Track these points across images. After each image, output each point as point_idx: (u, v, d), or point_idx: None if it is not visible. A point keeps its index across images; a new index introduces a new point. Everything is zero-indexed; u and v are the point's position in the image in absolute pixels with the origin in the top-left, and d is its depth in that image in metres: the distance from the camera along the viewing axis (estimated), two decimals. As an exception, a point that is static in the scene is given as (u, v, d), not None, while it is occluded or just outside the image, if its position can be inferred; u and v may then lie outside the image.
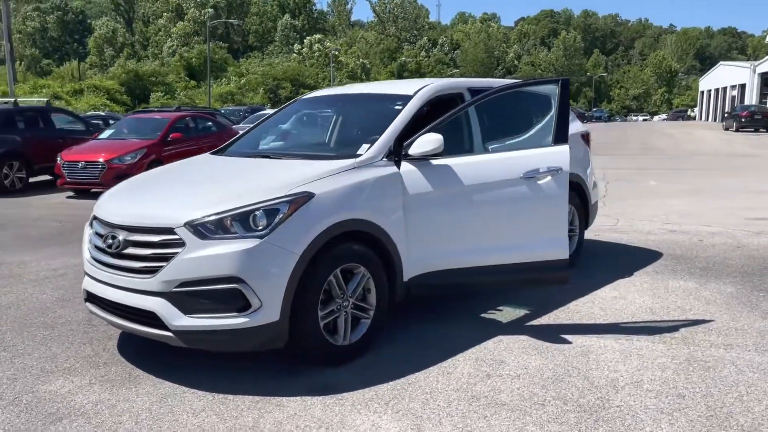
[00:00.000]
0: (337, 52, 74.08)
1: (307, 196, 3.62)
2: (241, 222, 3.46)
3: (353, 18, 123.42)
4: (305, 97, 5.69)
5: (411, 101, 4.52)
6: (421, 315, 4.71)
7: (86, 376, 3.74)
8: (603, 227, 7.97)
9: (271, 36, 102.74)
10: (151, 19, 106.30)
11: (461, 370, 3.76)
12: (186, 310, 3.42)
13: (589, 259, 6.31)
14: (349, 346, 3.86)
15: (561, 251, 4.37)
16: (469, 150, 4.58)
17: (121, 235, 3.66)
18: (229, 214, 3.47)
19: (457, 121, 4.53)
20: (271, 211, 3.50)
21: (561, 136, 4.44)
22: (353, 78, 72.18)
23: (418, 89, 4.67)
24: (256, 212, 3.48)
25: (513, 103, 4.87)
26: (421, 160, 4.18)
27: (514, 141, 4.74)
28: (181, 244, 3.44)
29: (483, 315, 4.74)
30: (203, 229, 3.44)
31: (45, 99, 18.65)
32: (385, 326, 4.19)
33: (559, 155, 4.37)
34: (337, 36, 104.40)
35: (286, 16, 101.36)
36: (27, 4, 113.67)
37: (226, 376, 3.70)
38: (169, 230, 3.49)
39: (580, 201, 6.04)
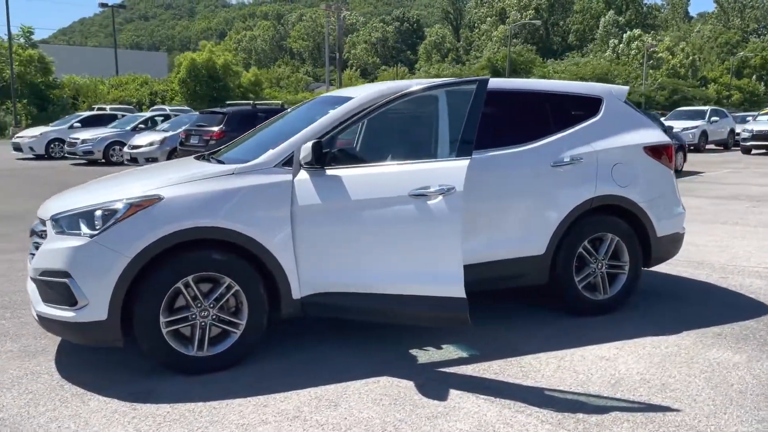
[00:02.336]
0: (654, 48, 68.20)
1: (154, 200, 3.65)
2: (86, 220, 3.66)
3: (690, 10, 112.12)
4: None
5: (344, 105, 4.18)
6: (328, 336, 4.33)
7: None
8: (709, 258, 6.18)
9: (592, 34, 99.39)
10: (475, 24, 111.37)
11: (294, 402, 3.42)
12: (43, 298, 3.76)
13: (647, 298, 5.02)
14: (208, 358, 3.78)
15: (454, 288, 3.62)
16: (377, 158, 4.05)
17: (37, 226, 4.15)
18: (78, 212, 3.70)
19: (365, 127, 4.05)
20: (109, 212, 3.63)
21: (464, 147, 3.69)
22: (673, 76, 65.71)
23: (366, 92, 4.29)
24: (96, 212, 3.65)
25: (432, 106, 4.14)
26: (316, 169, 3.86)
27: (421, 151, 4.06)
28: (46, 235, 3.79)
29: (411, 349, 4.16)
30: (59, 224, 3.73)
31: (280, 102, 20.66)
32: (278, 343, 3.99)
33: (453, 171, 3.63)
34: (668, 31, 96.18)
35: (611, 12, 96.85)
36: (375, 17, 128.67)
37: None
38: (44, 222, 3.87)
39: (635, 231, 4.83)
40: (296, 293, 3.87)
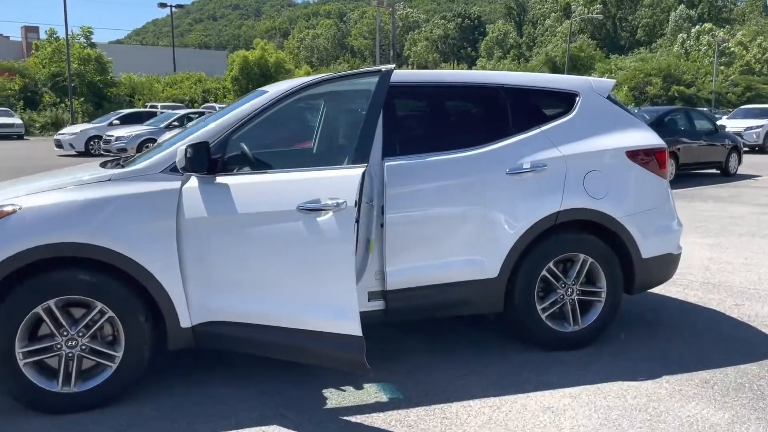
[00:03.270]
0: (726, 43, 64.64)
1: (8, 211, 3.16)
2: None
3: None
4: None
5: (250, 102, 3.60)
6: (235, 367, 3.74)
7: None
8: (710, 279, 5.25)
9: (662, 29, 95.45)
10: (539, 21, 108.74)
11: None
12: None
13: (632, 328, 4.23)
14: (77, 394, 3.27)
15: (347, 324, 2.99)
16: (276, 164, 3.45)
17: None
18: None
19: (265, 126, 3.45)
20: (-44, 224, 3.17)
21: (360, 152, 3.05)
22: (747, 73, 62.09)
23: (278, 87, 3.70)
24: None
25: (334, 103, 3.49)
26: (205, 176, 3.30)
27: (320, 156, 3.42)
28: None
29: (326, 389, 3.54)
30: None
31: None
32: (166, 378, 3.45)
33: (345, 182, 3.00)
34: (744, 25, 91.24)
35: (681, 6, 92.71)
36: (437, 14, 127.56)
37: None
38: None
39: (615, 252, 4.07)
40: (186, 321, 3.32)
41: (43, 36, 46.16)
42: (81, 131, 20.96)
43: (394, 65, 3.33)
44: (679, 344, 4.15)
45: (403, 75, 3.86)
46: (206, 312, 3.31)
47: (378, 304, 3.72)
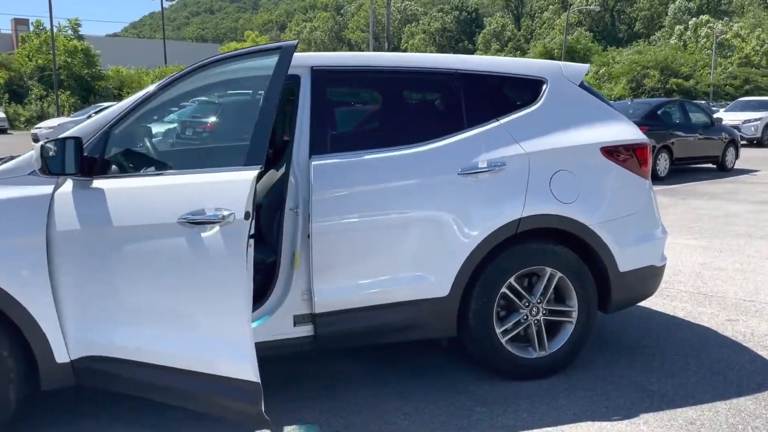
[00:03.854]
0: (724, 35, 63.93)
1: None
2: None
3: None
4: None
5: (145, 90, 3.02)
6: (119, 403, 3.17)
7: None
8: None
9: (660, 21, 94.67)
10: (537, 13, 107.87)
11: None
12: None
13: (610, 352, 3.65)
14: None
15: (241, 366, 2.41)
16: (169, 164, 2.88)
17: None
18: None
19: (153, 119, 2.88)
20: None
21: (254, 151, 2.46)
22: (746, 65, 61.44)
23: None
24: None
25: (236, 89, 2.92)
26: (81, 180, 2.71)
27: (214, 155, 2.85)
28: None
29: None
30: None
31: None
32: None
33: (233, 188, 2.43)
34: (743, 17, 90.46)
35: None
36: (434, 7, 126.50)
37: None
38: None
39: (588, 265, 3.50)
40: (62, 355, 2.74)
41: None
42: (59, 125, 20.29)
43: (296, 41, 2.74)
44: (663, 372, 3.58)
45: (335, 58, 3.28)
46: (86, 345, 2.73)
47: (305, 330, 3.15)
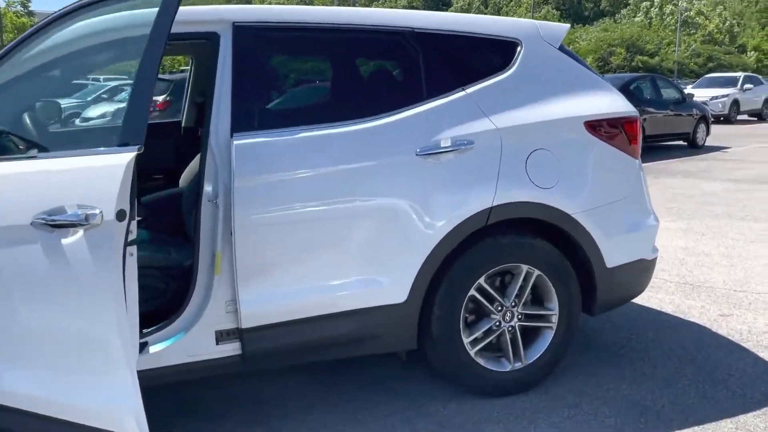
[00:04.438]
0: (688, 12, 64.26)
1: None
2: None
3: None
4: None
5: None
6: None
7: None
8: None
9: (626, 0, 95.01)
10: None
11: None
12: None
13: (588, 359, 3.15)
14: None
15: (117, 417, 1.82)
16: (37, 142, 2.25)
17: None
18: None
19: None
20: None
21: (130, 128, 1.86)
22: (709, 43, 61.92)
23: None
24: None
25: (111, 47, 2.31)
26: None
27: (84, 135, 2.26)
28: None
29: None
30: None
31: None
32: None
33: (100, 177, 1.83)
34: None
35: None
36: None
37: None
38: None
39: (571, 261, 2.97)
40: None
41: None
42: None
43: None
44: (656, 382, 3.10)
45: (263, 12, 2.65)
46: None
47: (231, 348, 2.58)
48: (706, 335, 3.66)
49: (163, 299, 2.66)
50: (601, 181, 3.02)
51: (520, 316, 2.95)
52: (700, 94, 19.95)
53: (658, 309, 4.08)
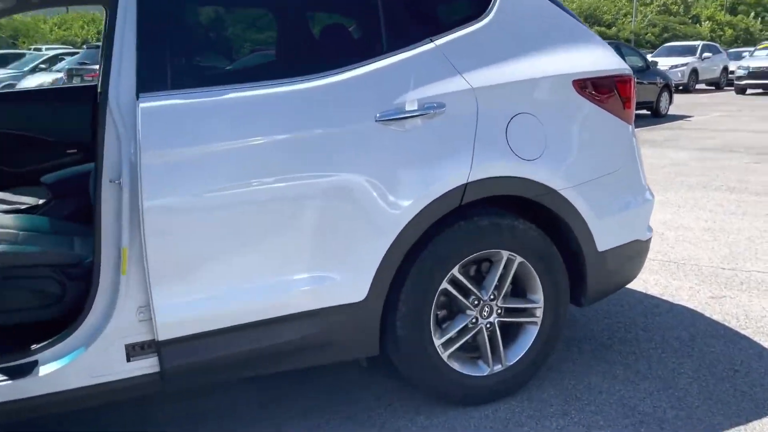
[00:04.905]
0: (644, -18, 64.51)
1: None
2: None
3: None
4: None
5: None
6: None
7: None
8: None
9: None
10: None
11: None
12: None
13: (571, 355, 2.74)
14: None
15: None
16: None
17: None
18: None
19: None
20: None
21: None
22: (664, 13, 62.35)
23: None
24: None
25: None
26: None
27: None
28: None
29: None
30: None
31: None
32: None
33: None
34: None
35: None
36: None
37: None
38: None
39: (558, 245, 2.52)
40: None
41: None
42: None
43: None
44: (653, 381, 2.70)
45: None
46: None
47: (147, 365, 2.06)
48: (700, 322, 3.28)
49: (58, 306, 2.12)
50: (592, 151, 2.57)
51: (499, 311, 2.51)
52: (660, 63, 19.84)
53: (644, 291, 3.70)
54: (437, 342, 2.40)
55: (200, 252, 2.01)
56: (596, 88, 2.55)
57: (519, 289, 2.57)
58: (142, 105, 1.92)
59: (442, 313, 2.46)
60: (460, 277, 2.40)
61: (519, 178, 2.37)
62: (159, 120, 1.93)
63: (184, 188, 1.95)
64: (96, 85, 3.53)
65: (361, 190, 2.16)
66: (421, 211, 2.24)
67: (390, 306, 2.30)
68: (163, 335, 2.01)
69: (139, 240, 1.95)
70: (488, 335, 2.50)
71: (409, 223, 2.23)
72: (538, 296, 2.54)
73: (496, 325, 2.50)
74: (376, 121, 2.17)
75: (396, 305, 2.31)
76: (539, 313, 2.55)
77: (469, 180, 2.29)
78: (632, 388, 2.65)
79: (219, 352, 2.10)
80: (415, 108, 2.22)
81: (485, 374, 2.51)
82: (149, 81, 1.96)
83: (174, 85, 1.99)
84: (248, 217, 2.05)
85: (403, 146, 2.21)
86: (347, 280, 2.21)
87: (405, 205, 2.21)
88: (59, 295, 2.13)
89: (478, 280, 2.49)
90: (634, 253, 2.77)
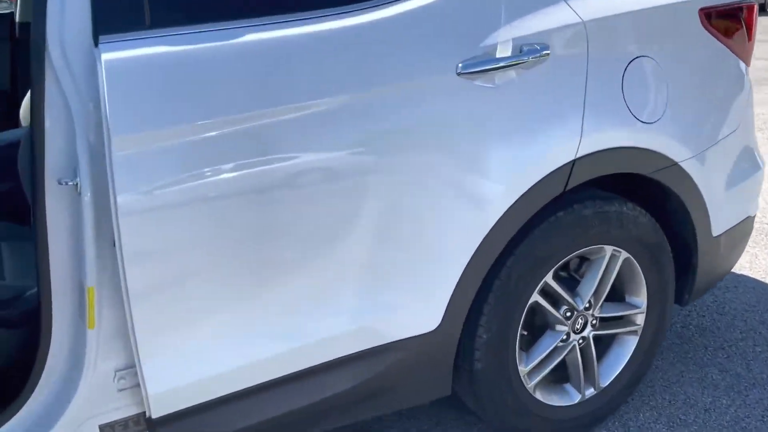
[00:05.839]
0: None
1: None
2: None
3: None
4: None
5: None
6: None
7: None
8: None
9: None
10: None
11: None
12: None
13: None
14: None
15: None
16: None
17: None
18: None
19: None
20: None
21: None
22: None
23: None
24: None
25: None
26: None
27: None
28: None
29: None
30: None
31: None
32: None
33: None
34: None
35: None
36: None
37: None
38: None
39: (667, 232, 1.90)
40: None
41: None
42: None
43: None
44: (761, 389, 2.18)
45: None
46: None
47: (134, 451, 1.37)
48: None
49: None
50: (714, 105, 1.94)
51: (594, 322, 1.90)
52: None
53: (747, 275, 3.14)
54: (523, 371, 1.79)
55: (212, 285, 1.30)
56: (724, 19, 1.89)
57: (616, 292, 1.96)
58: (105, 56, 1.15)
59: (527, 335, 1.84)
60: (554, 285, 1.77)
61: (637, 148, 1.72)
62: (136, 81, 1.17)
63: (184, 189, 1.22)
64: (11, 14, 2.64)
65: (433, 176, 1.47)
66: (514, 203, 1.57)
67: (467, 333, 1.66)
68: (158, 410, 1.32)
69: (114, 272, 1.22)
70: (580, 353, 1.90)
71: (500, 220, 1.56)
72: (641, 299, 1.94)
73: (591, 339, 1.90)
74: (457, 74, 1.46)
75: (475, 331, 1.67)
76: (640, 320, 1.96)
77: (578, 155, 1.62)
78: (741, 402, 2.13)
79: (238, 423, 1.42)
80: (509, 54, 1.51)
81: (575, 402, 1.93)
82: (113, 17, 1.19)
83: (155, 23, 1.22)
84: (282, 228, 1.34)
85: (490, 110, 1.52)
86: (414, 304, 1.55)
87: (494, 197, 1.55)
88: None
89: (570, 285, 1.86)
90: (745, 233, 2.19)
